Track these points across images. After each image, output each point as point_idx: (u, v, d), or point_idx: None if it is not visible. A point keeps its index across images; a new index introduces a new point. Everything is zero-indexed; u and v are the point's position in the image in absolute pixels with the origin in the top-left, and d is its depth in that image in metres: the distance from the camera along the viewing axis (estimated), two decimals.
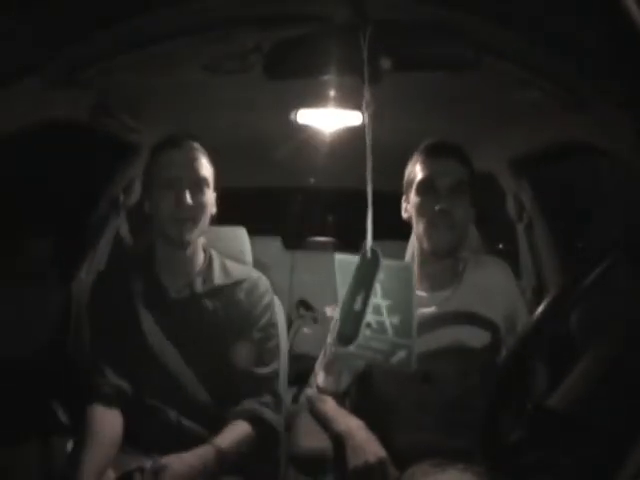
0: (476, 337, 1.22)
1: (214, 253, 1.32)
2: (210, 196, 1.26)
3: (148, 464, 1.04)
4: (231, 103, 1.57)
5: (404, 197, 1.33)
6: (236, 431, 1.16)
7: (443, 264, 1.28)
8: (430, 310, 1.24)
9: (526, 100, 1.30)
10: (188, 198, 1.18)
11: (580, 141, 1.38)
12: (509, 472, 0.79)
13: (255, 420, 1.18)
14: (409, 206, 1.30)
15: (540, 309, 0.75)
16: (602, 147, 1.29)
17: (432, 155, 1.28)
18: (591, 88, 1.13)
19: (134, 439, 1.15)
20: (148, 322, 1.20)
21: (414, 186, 1.27)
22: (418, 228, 1.26)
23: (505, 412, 0.79)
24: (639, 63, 0.67)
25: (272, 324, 1.30)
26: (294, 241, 3.09)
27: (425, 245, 1.26)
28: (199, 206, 1.21)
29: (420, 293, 1.28)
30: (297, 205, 3.42)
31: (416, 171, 1.28)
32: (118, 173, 1.83)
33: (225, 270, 1.29)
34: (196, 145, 1.26)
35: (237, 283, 1.27)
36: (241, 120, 1.76)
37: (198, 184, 1.22)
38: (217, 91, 1.46)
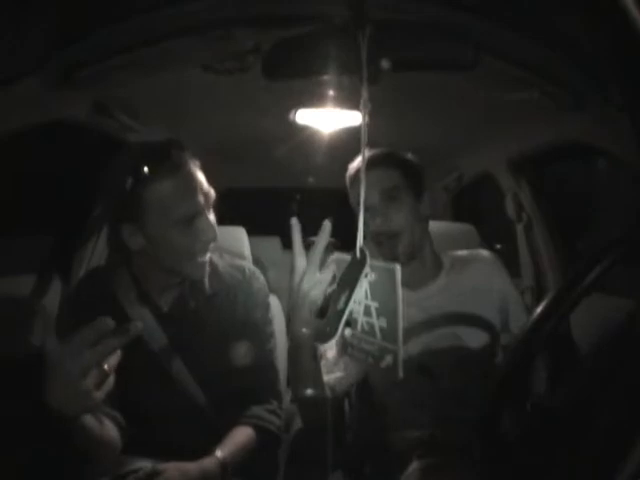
0: (473, 336, 1.22)
1: None
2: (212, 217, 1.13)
3: (143, 467, 1.03)
4: (230, 103, 1.57)
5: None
6: (240, 440, 1.11)
7: (410, 266, 1.26)
8: (414, 308, 1.24)
9: (526, 100, 1.30)
10: (208, 230, 1.07)
11: (580, 141, 1.39)
12: (509, 472, 0.79)
13: (262, 429, 1.15)
14: None
15: (540, 309, 0.75)
16: (602, 147, 1.29)
17: (355, 177, 1.28)
18: (591, 88, 1.13)
19: (135, 447, 1.12)
20: (147, 332, 1.12)
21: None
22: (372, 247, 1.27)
23: (505, 412, 0.79)
24: (639, 64, 0.67)
25: (269, 322, 1.25)
26: None
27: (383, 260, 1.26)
28: (213, 229, 1.09)
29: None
30: (296, 205, 3.42)
31: (350, 198, 1.29)
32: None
33: (217, 275, 1.22)
34: (185, 158, 1.08)
35: (230, 289, 1.21)
36: (240, 120, 1.76)
37: (209, 208, 1.10)
38: (217, 91, 1.46)
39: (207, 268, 1.15)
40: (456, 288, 1.27)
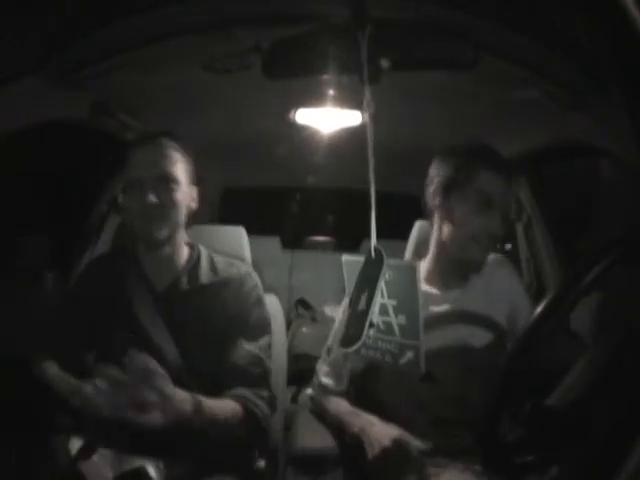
0: (479, 338, 1.21)
1: (202, 250, 1.30)
2: (183, 192, 1.22)
3: (143, 466, 1.04)
4: (230, 103, 1.57)
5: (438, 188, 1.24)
6: (224, 404, 1.12)
7: (457, 263, 1.26)
8: (440, 308, 1.24)
9: (526, 100, 1.30)
10: (152, 197, 1.17)
11: (580, 141, 1.38)
12: (508, 472, 0.79)
13: (246, 406, 1.14)
14: (438, 199, 1.23)
15: (540, 309, 0.75)
16: (602, 147, 1.29)
17: (489, 165, 1.19)
18: (591, 88, 1.13)
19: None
20: (143, 314, 1.21)
21: (459, 187, 1.20)
22: (451, 231, 1.21)
23: (505, 412, 0.79)
24: (639, 64, 0.67)
25: (262, 320, 1.27)
26: (293, 241, 3.09)
27: (452, 250, 1.23)
28: (166, 203, 1.19)
29: (432, 290, 1.27)
30: (296, 205, 3.42)
31: (466, 172, 1.20)
32: (117, 173, 1.83)
33: (213, 267, 1.27)
34: (165, 141, 1.22)
35: (224, 282, 1.25)
36: (240, 120, 1.76)
37: (163, 181, 1.19)
38: (217, 91, 1.46)
39: (168, 235, 1.22)
40: (472, 290, 1.27)
